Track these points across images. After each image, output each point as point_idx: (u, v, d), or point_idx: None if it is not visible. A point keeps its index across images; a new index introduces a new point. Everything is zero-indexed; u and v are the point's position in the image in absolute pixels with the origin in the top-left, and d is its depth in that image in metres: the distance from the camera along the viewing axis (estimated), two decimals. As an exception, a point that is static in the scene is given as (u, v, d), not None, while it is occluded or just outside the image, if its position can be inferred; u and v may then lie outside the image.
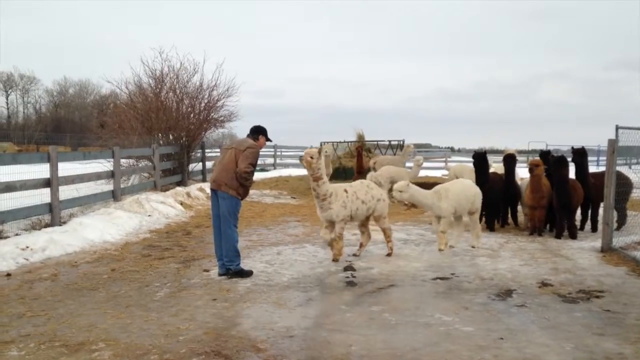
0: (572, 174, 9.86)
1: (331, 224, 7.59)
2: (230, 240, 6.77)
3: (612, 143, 8.26)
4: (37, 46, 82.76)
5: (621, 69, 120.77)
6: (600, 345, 4.62)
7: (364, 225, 8.15)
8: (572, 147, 10.31)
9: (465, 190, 8.60)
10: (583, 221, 10.46)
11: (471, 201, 8.61)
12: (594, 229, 10.14)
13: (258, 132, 7.13)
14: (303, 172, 22.96)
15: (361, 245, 8.22)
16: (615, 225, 9.15)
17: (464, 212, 8.71)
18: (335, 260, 7.62)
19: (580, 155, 10.05)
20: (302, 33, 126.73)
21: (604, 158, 9.28)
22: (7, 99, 58.98)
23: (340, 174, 18.43)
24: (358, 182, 8.12)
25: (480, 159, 10.38)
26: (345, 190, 7.66)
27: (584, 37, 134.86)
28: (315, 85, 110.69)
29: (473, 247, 8.67)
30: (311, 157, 7.18)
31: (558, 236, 9.56)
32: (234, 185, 6.73)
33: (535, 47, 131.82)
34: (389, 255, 8.04)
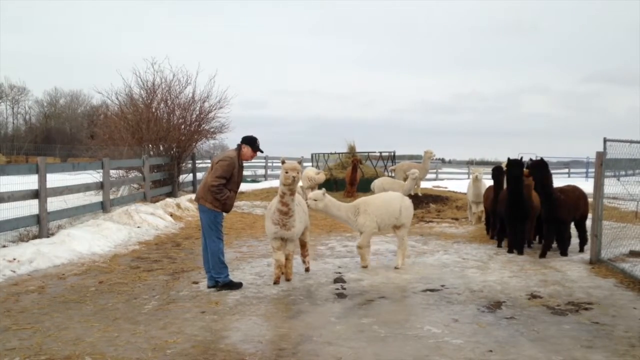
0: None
1: (282, 243, 7.19)
2: (215, 252, 6.74)
3: (600, 156, 8.33)
4: (28, 56, 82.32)
5: (597, 81, 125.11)
6: (588, 357, 4.64)
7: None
8: (530, 159, 9.67)
9: (388, 204, 8.04)
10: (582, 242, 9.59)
11: (395, 216, 8.00)
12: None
13: (243, 142, 7.02)
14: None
15: (304, 256, 7.90)
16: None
17: (388, 228, 8.13)
18: (288, 279, 7.25)
19: (538, 167, 8.72)
20: (287, 45, 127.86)
21: (593, 170, 9.27)
22: (-4, 110, 58.63)
23: (332, 186, 18.44)
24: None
25: (498, 172, 10.34)
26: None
27: (560, 51, 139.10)
28: (299, 96, 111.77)
29: (396, 267, 8.02)
30: (298, 173, 6.88)
31: (516, 250, 9.27)
32: (209, 198, 6.73)
33: (514, 60, 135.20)
34: (307, 270, 7.77)
